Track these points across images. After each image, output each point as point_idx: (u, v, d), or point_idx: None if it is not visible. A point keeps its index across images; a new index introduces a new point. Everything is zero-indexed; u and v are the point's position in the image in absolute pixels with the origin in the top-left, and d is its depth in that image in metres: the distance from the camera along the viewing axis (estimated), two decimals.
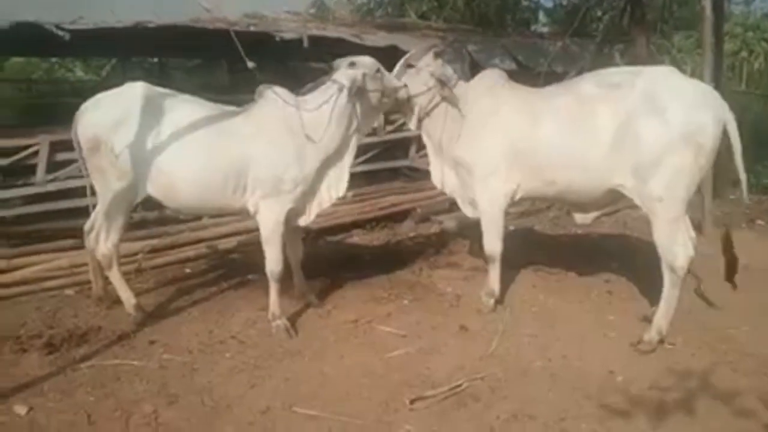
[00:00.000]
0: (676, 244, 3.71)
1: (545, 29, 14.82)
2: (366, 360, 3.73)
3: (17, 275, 4.96)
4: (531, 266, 5.24)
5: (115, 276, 4.27)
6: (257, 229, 5.66)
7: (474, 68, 7.79)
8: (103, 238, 4.21)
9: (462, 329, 4.10)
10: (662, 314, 3.79)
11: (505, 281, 4.67)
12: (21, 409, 3.16)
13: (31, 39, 6.16)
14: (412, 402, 3.22)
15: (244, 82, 11.15)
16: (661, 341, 3.78)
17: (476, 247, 5.10)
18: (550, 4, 15.90)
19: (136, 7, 7.11)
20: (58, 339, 3.97)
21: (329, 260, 5.60)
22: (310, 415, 3.14)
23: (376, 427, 3.06)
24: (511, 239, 6.19)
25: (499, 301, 4.49)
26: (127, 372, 3.59)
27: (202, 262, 5.61)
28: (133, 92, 4.05)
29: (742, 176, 3.83)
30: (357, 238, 6.51)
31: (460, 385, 3.38)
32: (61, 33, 5.80)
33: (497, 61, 8.11)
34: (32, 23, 5.81)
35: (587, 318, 4.29)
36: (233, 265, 5.52)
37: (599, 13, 12.26)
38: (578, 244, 6.19)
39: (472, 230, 5.10)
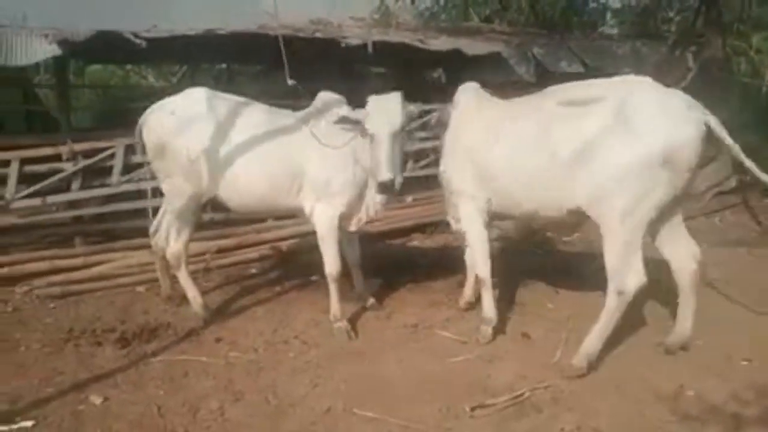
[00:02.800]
0: (629, 268, 3.44)
1: (613, 31, 14.40)
2: (426, 365, 3.72)
3: (93, 272, 5.23)
4: (600, 274, 5.09)
5: (183, 275, 4.42)
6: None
7: (540, 71, 7.67)
8: (173, 237, 4.36)
9: (524, 337, 4.03)
10: (596, 337, 3.54)
11: (571, 288, 4.56)
12: (97, 399, 3.32)
13: (110, 47, 6.47)
14: (472, 409, 3.18)
15: (306, 87, 11.42)
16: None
17: None
18: (617, 5, 15.43)
19: (205, 15, 7.36)
20: (130, 334, 4.16)
21: (388, 264, 5.62)
22: (370, 417, 3.15)
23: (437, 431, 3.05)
24: (571, 245, 6.10)
25: (563, 307, 4.39)
26: (195, 368, 3.71)
27: (267, 262, 5.75)
28: (195, 97, 4.20)
29: (762, 175, 3.43)
30: (417, 241, 6.50)
31: (522, 394, 3.32)
32: (138, 41, 6.07)
33: (563, 63, 7.94)
34: (113, 32, 6.11)
35: (655, 329, 4.13)
36: (297, 266, 5.63)
37: (671, 14, 11.83)
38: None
39: None
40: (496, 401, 3.25)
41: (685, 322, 3.75)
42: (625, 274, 3.46)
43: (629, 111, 3.37)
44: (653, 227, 3.58)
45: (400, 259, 5.87)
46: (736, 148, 3.41)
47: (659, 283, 4.85)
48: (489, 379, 3.52)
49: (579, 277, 4.92)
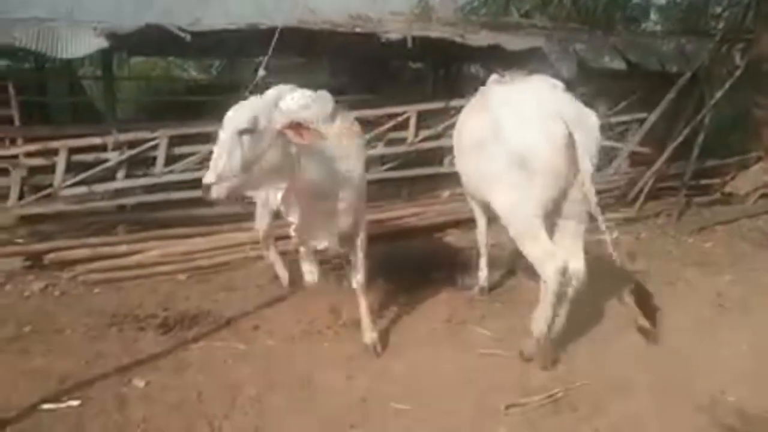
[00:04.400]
0: (540, 256, 3.52)
1: (657, 27, 14.07)
2: (460, 361, 3.72)
3: (135, 259, 5.37)
4: (637, 274, 5.02)
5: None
6: None
7: (582, 68, 7.55)
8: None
9: (561, 336, 3.98)
10: (539, 317, 3.62)
11: (606, 290, 4.50)
12: (139, 382, 3.42)
13: (155, 40, 6.62)
14: (507, 407, 3.18)
15: (344, 82, 11.46)
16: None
17: None
18: (662, 1, 15.04)
19: (246, 10, 7.45)
20: (171, 320, 4.27)
21: (423, 259, 5.63)
22: (404, 410, 3.18)
23: (470, 428, 3.05)
24: (614, 246, 5.99)
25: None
26: (233, 355, 3.79)
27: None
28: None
29: (593, 205, 3.44)
30: (452, 237, 6.48)
31: (556, 394, 3.30)
32: (182, 35, 6.19)
33: (606, 60, 7.80)
34: (158, 26, 6.24)
35: (697, 333, 4.04)
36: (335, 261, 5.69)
37: (718, 10, 11.49)
38: (687, 253, 5.87)
39: None
40: (531, 400, 3.24)
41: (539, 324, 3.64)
42: (540, 262, 3.54)
43: (503, 114, 3.60)
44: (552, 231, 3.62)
45: (435, 255, 5.86)
46: (586, 168, 3.37)
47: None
48: (523, 377, 3.51)
49: (618, 277, 4.85)
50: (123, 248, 5.50)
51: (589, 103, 7.68)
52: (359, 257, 3.83)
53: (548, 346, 3.64)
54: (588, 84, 7.82)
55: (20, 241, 5.63)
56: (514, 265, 4.92)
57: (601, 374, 3.51)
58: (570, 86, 7.62)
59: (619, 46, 8.18)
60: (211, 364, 3.68)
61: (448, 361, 3.71)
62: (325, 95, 3.71)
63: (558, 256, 3.49)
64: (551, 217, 3.56)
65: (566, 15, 12.58)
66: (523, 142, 3.43)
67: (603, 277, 4.85)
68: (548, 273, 3.49)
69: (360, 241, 3.83)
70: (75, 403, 3.22)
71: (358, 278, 3.86)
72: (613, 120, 7.99)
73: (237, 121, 3.02)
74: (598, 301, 4.53)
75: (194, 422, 3.06)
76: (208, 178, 2.94)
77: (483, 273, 4.76)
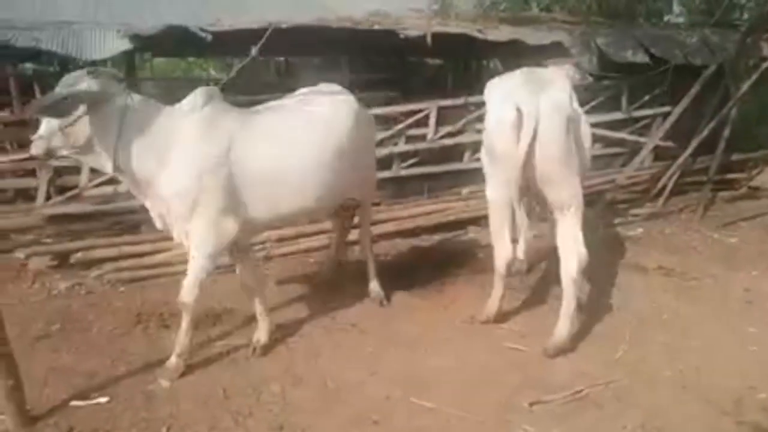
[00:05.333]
0: (498, 250, 3.94)
1: (680, 20, 13.84)
2: (483, 357, 3.71)
3: (160, 257, 5.42)
4: (661, 270, 4.96)
5: None
6: (376, 222, 5.83)
7: (604, 62, 7.47)
8: None
9: (585, 333, 3.96)
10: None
11: (634, 285, 4.45)
12: (165, 382, 3.46)
13: (177, 41, 6.68)
14: (531, 404, 3.16)
15: (363, 80, 11.47)
16: None
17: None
18: None
19: (266, 9, 7.48)
20: (195, 317, 4.28)
21: (445, 256, 5.62)
22: (428, 407, 3.18)
23: (495, 425, 3.04)
24: (638, 241, 5.94)
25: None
26: (255, 352, 3.81)
27: (325, 252, 5.82)
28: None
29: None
30: (472, 234, 6.46)
31: (581, 391, 3.28)
32: (204, 35, 6.25)
33: (629, 54, 7.69)
34: (181, 26, 6.30)
35: (724, 329, 4.00)
36: (353, 256, 5.69)
37: (743, 0, 11.27)
38: (714, 248, 5.79)
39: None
40: (556, 397, 3.22)
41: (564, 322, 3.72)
42: (496, 255, 3.94)
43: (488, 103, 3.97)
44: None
45: (456, 252, 5.85)
46: (520, 149, 3.50)
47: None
48: (548, 374, 3.49)
49: (643, 274, 4.81)
50: (147, 247, 5.56)
51: (612, 98, 7.66)
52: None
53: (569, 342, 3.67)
54: (610, 78, 7.74)
55: (48, 240, 5.72)
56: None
57: (627, 371, 3.48)
58: (592, 81, 7.58)
59: (642, 40, 8.06)
60: (235, 361, 3.72)
61: (471, 358, 3.70)
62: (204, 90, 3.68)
63: (508, 251, 3.88)
64: (544, 206, 3.77)
65: (587, 8, 12.44)
66: (486, 128, 3.85)
67: (628, 272, 4.83)
68: (497, 265, 3.94)
69: None
70: (103, 399, 3.28)
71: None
72: (636, 114, 7.89)
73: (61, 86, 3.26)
74: (623, 297, 4.50)
75: (220, 418, 3.09)
76: (36, 133, 3.27)
77: (521, 257, 4.81)
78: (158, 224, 3.61)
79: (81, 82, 3.28)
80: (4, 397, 2.97)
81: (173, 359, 3.55)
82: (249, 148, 3.49)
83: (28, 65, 9.77)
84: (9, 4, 7.21)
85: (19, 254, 5.48)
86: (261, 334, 3.86)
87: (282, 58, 14.89)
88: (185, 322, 3.57)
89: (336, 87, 4.15)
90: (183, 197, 3.38)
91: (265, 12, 7.11)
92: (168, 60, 17.58)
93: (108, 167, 3.39)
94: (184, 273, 5.16)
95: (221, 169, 3.41)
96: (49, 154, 3.41)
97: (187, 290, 3.51)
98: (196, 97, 3.54)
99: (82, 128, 3.27)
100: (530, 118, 3.44)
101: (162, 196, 3.42)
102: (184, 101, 3.55)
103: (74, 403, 3.25)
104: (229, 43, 7.17)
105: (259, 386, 3.39)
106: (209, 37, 6.28)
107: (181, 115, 3.47)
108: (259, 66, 16.08)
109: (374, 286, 4.59)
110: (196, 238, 3.46)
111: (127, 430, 3.03)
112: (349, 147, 3.84)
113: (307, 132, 3.70)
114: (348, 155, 3.83)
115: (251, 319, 4.23)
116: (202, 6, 7.53)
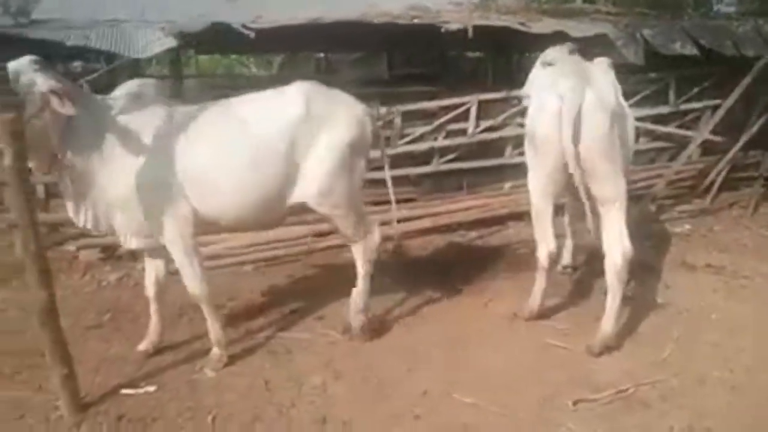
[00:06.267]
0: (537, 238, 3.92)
1: (731, 9, 13.36)
2: (525, 354, 3.67)
3: (203, 251, 5.51)
4: (710, 268, 4.82)
5: None
6: (418, 217, 5.84)
7: (650, 54, 7.28)
8: None
9: (631, 332, 3.88)
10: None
11: (682, 284, 4.34)
12: (210, 373, 3.54)
13: (221, 38, 6.80)
14: (575, 403, 3.12)
15: (403, 75, 11.45)
16: None
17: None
18: None
19: (306, 5, 7.52)
20: (238, 310, 4.39)
21: (485, 252, 5.58)
22: (468, 402, 3.16)
23: (537, 422, 3.01)
24: (685, 238, 5.78)
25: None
26: (298, 345, 3.87)
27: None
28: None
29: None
30: (512, 230, 6.39)
31: (627, 390, 3.22)
32: (247, 32, 6.33)
33: (677, 46, 7.47)
34: (224, 23, 6.40)
35: None
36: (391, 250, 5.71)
37: None
38: (763, 246, 5.59)
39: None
40: (600, 395, 3.16)
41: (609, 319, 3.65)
42: (538, 249, 3.96)
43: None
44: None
45: (496, 248, 5.80)
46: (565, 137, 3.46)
47: None
48: (592, 372, 3.43)
49: (691, 272, 4.69)
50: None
51: (659, 91, 7.46)
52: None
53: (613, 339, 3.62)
54: (657, 71, 7.54)
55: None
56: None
57: (675, 371, 3.40)
58: (639, 74, 7.40)
59: (690, 31, 7.80)
60: (276, 353, 3.77)
61: (513, 354, 3.67)
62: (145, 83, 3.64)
63: (552, 242, 3.84)
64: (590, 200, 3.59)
65: None
66: (529, 118, 3.79)
67: (675, 270, 4.71)
68: (540, 257, 3.89)
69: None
70: (151, 388, 3.37)
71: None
72: (684, 107, 7.66)
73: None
74: (670, 295, 4.40)
75: (263, 409, 3.14)
76: None
77: (568, 253, 4.88)
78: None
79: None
80: (58, 384, 3.09)
81: (215, 350, 3.63)
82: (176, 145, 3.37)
83: (77, 63, 10.08)
84: (66, 6, 7.46)
85: (71, 246, 5.68)
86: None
87: (322, 54, 14.97)
88: (208, 313, 3.63)
89: (308, 84, 3.66)
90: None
91: (305, 8, 7.16)
92: (210, 57, 17.89)
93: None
94: (227, 265, 5.33)
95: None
96: None
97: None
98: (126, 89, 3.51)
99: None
100: (573, 107, 3.39)
101: None
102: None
103: (124, 391, 3.35)
104: (270, 40, 7.26)
105: (300, 379, 3.43)
106: (252, 35, 6.35)
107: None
108: (299, 62, 16.25)
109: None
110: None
111: (174, 418, 3.10)
112: (286, 148, 3.43)
113: (222, 131, 3.45)
114: (284, 156, 3.44)
115: (292, 312, 4.31)
116: (243, 3, 7.61)
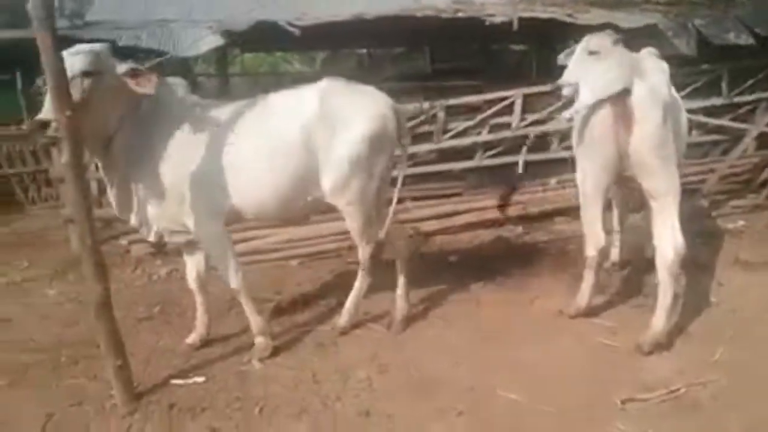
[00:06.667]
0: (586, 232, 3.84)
1: None
2: (571, 352, 3.62)
3: (251, 245, 5.63)
4: (765, 266, 4.65)
5: None
6: (459, 212, 5.80)
7: (703, 44, 7.03)
8: None
9: (682, 330, 3.77)
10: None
11: (735, 282, 4.20)
12: (258, 364, 3.61)
13: (266, 36, 6.88)
14: (623, 402, 3.05)
15: (446, 69, 11.37)
16: None
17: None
18: None
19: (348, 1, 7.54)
20: (284, 303, 4.47)
21: (531, 249, 5.51)
22: (514, 400, 3.14)
23: (584, 421, 2.96)
24: (739, 235, 5.58)
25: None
26: (343, 338, 3.91)
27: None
28: None
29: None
30: (559, 225, 6.29)
31: (678, 390, 3.13)
32: (292, 29, 6.39)
33: (731, 36, 7.19)
34: (270, 22, 6.48)
35: None
36: (434, 246, 5.71)
37: None
38: None
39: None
40: (650, 395, 3.09)
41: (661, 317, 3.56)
42: (587, 244, 3.89)
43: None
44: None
45: (543, 244, 5.72)
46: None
47: None
48: (641, 371, 3.35)
49: (746, 270, 4.52)
50: (237, 236, 5.77)
51: (711, 83, 7.20)
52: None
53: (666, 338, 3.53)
54: (710, 61, 7.28)
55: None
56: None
57: (728, 371, 3.28)
58: (690, 64, 7.15)
59: (746, 19, 7.50)
60: (323, 346, 3.82)
61: (559, 352, 3.62)
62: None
63: (601, 237, 3.76)
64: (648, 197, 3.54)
65: None
66: (574, 110, 3.69)
67: (729, 267, 4.56)
68: (588, 253, 3.83)
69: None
70: (200, 379, 3.46)
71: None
72: (739, 100, 7.38)
73: (81, 62, 3.11)
74: (723, 293, 4.26)
75: (309, 402, 3.19)
76: (43, 114, 3.00)
77: (616, 249, 4.79)
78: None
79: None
80: (113, 374, 3.20)
81: (259, 339, 3.70)
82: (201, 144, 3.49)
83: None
84: (118, 7, 7.68)
85: (123, 241, 5.87)
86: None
87: (364, 50, 15.00)
88: (246, 304, 3.72)
89: (338, 81, 3.73)
90: None
91: (347, 4, 7.18)
92: (255, 55, 18.14)
93: None
94: (273, 260, 5.42)
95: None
96: None
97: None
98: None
99: None
100: (624, 100, 3.31)
101: None
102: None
103: (174, 381, 3.45)
104: (314, 37, 7.31)
105: (346, 372, 3.47)
106: (297, 32, 6.41)
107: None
108: (342, 58, 16.33)
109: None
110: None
111: (222, 408, 3.18)
112: (305, 143, 3.50)
113: (246, 128, 3.54)
114: (303, 151, 3.51)
115: (337, 306, 4.34)
116: (286, 2, 7.67)
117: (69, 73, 2.93)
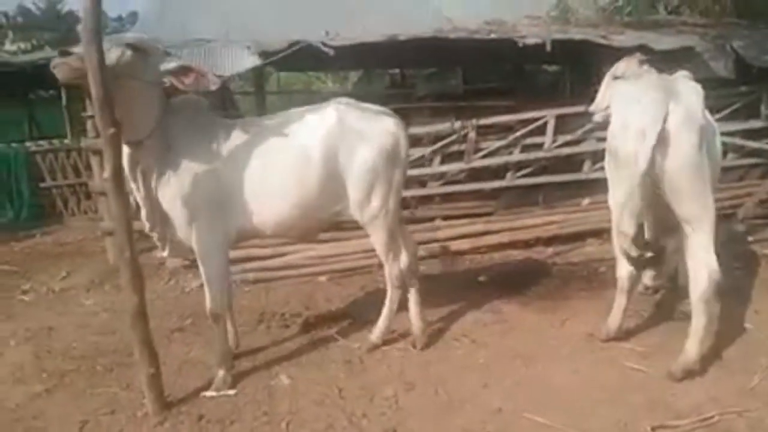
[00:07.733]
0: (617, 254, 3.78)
1: None
2: (602, 376, 3.56)
3: (282, 261, 5.72)
4: None
5: None
6: (490, 232, 5.80)
7: (742, 66, 6.93)
8: None
9: (715, 357, 3.68)
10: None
11: None
12: (285, 378, 3.65)
13: (302, 55, 7.00)
14: (654, 429, 2.99)
15: (478, 89, 11.40)
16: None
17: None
18: None
19: (382, 21, 7.64)
20: (313, 319, 4.51)
21: (562, 269, 5.46)
22: (541, 423, 3.10)
23: None
24: None
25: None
26: (371, 355, 3.93)
27: (434, 261, 5.87)
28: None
29: None
30: (591, 247, 6.22)
31: (711, 417, 3.06)
32: (326, 50, 6.51)
33: None
34: (305, 42, 6.62)
35: None
36: (463, 266, 5.70)
37: None
38: None
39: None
40: (682, 422, 3.02)
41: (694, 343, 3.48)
42: (618, 267, 3.92)
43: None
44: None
45: (574, 265, 5.67)
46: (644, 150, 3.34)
47: None
48: (673, 397, 3.28)
49: None
50: (269, 251, 5.88)
51: (750, 105, 7.07)
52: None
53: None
54: (750, 83, 7.17)
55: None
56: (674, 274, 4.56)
57: (764, 401, 3.19)
58: (728, 86, 7.05)
59: None
60: (350, 362, 3.84)
61: (589, 376, 3.56)
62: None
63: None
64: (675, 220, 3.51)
65: (721, 9, 11.58)
66: (610, 132, 3.65)
67: (765, 294, 4.46)
68: (620, 276, 3.89)
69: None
70: (231, 392, 3.51)
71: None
72: None
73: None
74: (759, 320, 4.16)
75: (336, 417, 3.21)
76: None
77: (649, 272, 4.59)
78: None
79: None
80: (145, 383, 3.28)
81: (220, 372, 3.63)
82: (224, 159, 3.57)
83: None
84: (158, 27, 7.93)
85: (159, 254, 5.99)
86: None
87: (397, 70, 15.13)
88: (220, 332, 3.70)
89: (346, 101, 3.84)
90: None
91: (381, 25, 7.28)
92: (289, 74, 18.46)
93: None
94: (303, 275, 5.48)
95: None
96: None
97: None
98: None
99: None
100: (656, 123, 3.28)
101: None
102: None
103: (204, 393, 3.51)
104: (348, 57, 7.42)
105: (372, 389, 3.48)
106: (332, 52, 6.53)
107: None
108: (374, 78, 16.50)
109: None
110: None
111: (250, 422, 3.22)
112: (321, 161, 3.58)
113: (265, 146, 3.62)
114: (319, 172, 3.59)
115: (365, 323, 4.36)
116: (320, 21, 7.81)
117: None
